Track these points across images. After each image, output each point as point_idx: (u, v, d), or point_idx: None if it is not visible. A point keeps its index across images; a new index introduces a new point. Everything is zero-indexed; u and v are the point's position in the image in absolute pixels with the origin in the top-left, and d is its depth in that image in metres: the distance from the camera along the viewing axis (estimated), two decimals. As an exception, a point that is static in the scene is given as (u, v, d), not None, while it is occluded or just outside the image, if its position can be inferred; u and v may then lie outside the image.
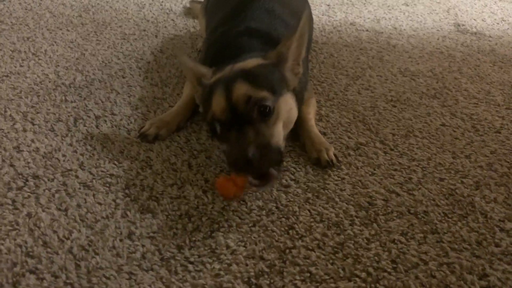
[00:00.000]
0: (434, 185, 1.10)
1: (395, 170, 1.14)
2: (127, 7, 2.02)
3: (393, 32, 1.98)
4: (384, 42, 1.88)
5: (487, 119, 1.38)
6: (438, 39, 1.94)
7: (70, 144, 1.14)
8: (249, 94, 0.98)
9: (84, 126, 1.21)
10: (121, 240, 0.89)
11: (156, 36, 1.77)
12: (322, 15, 2.11)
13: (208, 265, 0.86)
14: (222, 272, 0.84)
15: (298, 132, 1.23)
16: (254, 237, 0.92)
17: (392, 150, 1.21)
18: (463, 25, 2.12)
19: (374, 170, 1.13)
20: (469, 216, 1.01)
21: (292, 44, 1.08)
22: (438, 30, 2.04)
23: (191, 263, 0.86)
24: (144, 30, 1.80)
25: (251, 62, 1.09)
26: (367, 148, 1.21)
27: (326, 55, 1.72)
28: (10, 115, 1.23)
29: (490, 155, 1.21)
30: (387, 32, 1.98)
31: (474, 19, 2.20)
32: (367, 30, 1.98)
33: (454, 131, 1.31)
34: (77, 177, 1.04)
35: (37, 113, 1.25)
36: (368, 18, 2.12)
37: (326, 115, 1.34)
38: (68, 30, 1.75)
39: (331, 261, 0.88)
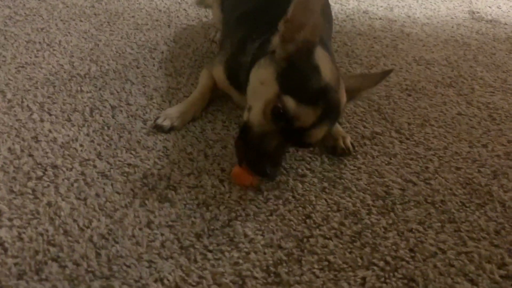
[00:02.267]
0: (451, 174, 1.09)
1: (411, 159, 1.13)
2: (139, -3, 2.02)
3: (407, 20, 1.96)
4: (397, 30, 1.86)
5: (503, 107, 1.36)
6: (452, 27, 1.91)
7: (87, 134, 1.15)
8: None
9: (101, 116, 1.22)
10: (140, 229, 0.90)
11: (168, 26, 1.76)
12: (335, 3, 2.09)
13: (226, 254, 0.86)
14: (241, 261, 0.85)
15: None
16: (271, 226, 0.93)
17: (408, 139, 1.20)
18: (477, 12, 2.10)
19: (390, 159, 1.13)
20: (487, 205, 1.01)
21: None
22: (452, 18, 2.01)
23: (210, 251, 0.87)
24: (157, 20, 1.80)
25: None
26: (383, 138, 1.20)
27: (339, 44, 1.71)
28: (27, 106, 1.24)
29: (507, 144, 1.20)
30: (401, 20, 1.96)
31: (489, 6, 2.17)
32: (380, 19, 1.96)
33: (471, 120, 1.30)
34: (95, 166, 1.05)
35: (54, 103, 1.26)
36: (381, 6, 2.09)
37: (341, 105, 1.33)
38: (81, 21, 1.76)
39: (349, 250, 0.89)
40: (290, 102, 0.94)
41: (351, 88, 1.08)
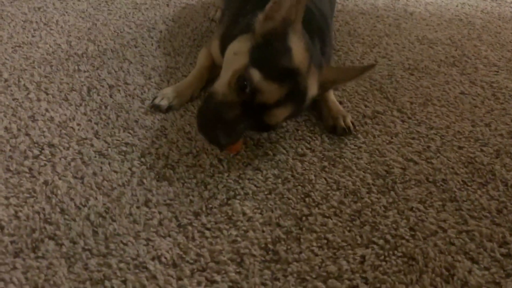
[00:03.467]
0: (453, 153, 1.08)
1: (413, 138, 1.12)
2: (137, -23, 1.98)
3: (410, -1, 1.92)
4: (401, 9, 1.83)
5: (508, 87, 1.34)
6: (457, 6, 1.88)
7: (84, 114, 1.13)
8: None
9: (98, 95, 1.20)
10: (138, 207, 0.89)
11: (167, 5, 1.74)
12: (337, -18, 2.05)
13: (225, 232, 0.86)
14: (239, 239, 0.84)
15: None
16: (270, 205, 0.92)
17: (409, 118, 1.19)
18: (483, -9, 2.05)
19: (392, 138, 1.11)
20: (489, 184, 0.99)
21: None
22: (457, -3, 1.97)
23: (208, 229, 0.86)
24: (155, -1, 1.77)
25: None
26: (384, 117, 1.19)
27: (341, 22, 1.68)
28: (24, 85, 1.22)
29: (511, 123, 1.18)
30: (404, -1, 1.92)
31: (495, -15, 2.12)
32: (383, -2, 1.92)
33: (474, 99, 1.28)
34: (92, 145, 1.04)
35: (51, 82, 1.24)
36: (385, -15, 2.05)
37: (342, 84, 1.31)
38: (79, 0, 1.73)
39: (348, 228, 0.88)
40: (255, 75, 0.94)
41: (325, 80, 1.07)
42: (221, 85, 1.00)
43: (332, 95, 1.20)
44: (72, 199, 0.90)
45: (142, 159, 1.01)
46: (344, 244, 0.84)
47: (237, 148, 1.04)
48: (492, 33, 1.66)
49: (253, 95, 0.95)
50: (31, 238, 0.82)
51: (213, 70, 1.29)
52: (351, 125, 1.11)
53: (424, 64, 1.44)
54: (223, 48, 1.21)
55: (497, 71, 1.42)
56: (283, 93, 0.96)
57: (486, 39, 1.61)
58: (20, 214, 0.86)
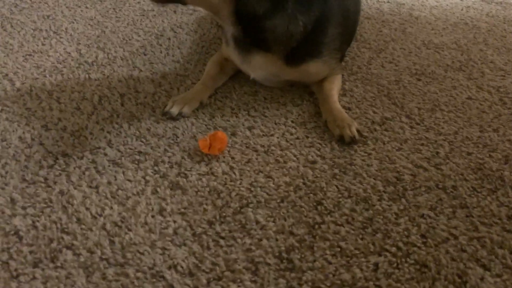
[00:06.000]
0: (462, 159, 1.09)
1: (422, 144, 1.13)
2: (144, -17, 2.00)
3: (415, 3, 1.93)
4: (406, 13, 1.83)
5: (515, 91, 1.35)
6: (462, 10, 1.88)
7: (97, 122, 1.15)
8: None
9: (109, 104, 1.22)
10: (152, 216, 0.91)
11: (174, 12, 1.75)
12: (342, -14, 2.06)
13: (239, 240, 0.87)
14: (253, 247, 0.86)
15: (320, 109, 1.22)
16: (283, 213, 0.93)
17: (418, 124, 1.20)
18: (487, -6, 2.06)
19: (401, 145, 1.12)
20: (499, 190, 1.00)
21: None
22: (461, 0, 1.98)
23: (223, 238, 0.87)
24: (163, 6, 1.79)
25: None
26: (393, 123, 1.20)
27: (347, 28, 1.69)
28: (36, 94, 1.24)
29: (519, 129, 1.19)
30: (409, 3, 1.93)
31: (499, -12, 2.13)
32: (388, 2, 1.93)
33: (481, 104, 1.29)
34: (105, 154, 1.05)
35: (62, 91, 1.26)
36: (389, -11, 2.06)
37: (350, 90, 1.32)
38: (87, 7, 1.74)
39: (360, 236, 0.89)
40: None
41: None
42: None
43: (337, 104, 1.21)
44: (88, 209, 0.92)
45: (156, 168, 1.02)
46: (357, 252, 0.86)
47: (221, 147, 1.06)
48: (498, 37, 1.66)
49: None
50: (49, 248, 0.84)
51: (221, 77, 1.31)
52: (356, 133, 1.12)
53: (431, 69, 1.45)
54: None
55: (504, 76, 1.43)
56: None
57: (492, 43, 1.62)
58: (37, 224, 0.88)
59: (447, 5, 1.93)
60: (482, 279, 0.81)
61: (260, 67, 1.21)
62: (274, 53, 1.18)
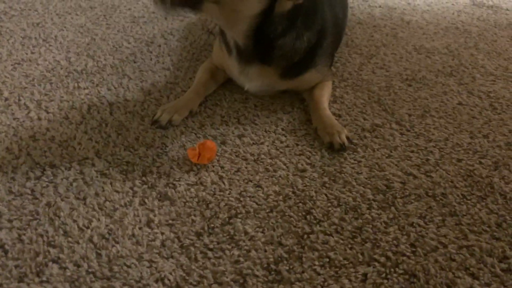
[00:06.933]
0: (452, 166, 1.08)
1: (412, 151, 1.13)
2: (135, -11, 1.99)
3: (407, 8, 1.93)
4: (397, 18, 1.84)
5: (505, 96, 1.35)
6: (453, 14, 1.89)
7: (85, 132, 1.14)
8: None
9: (98, 113, 1.21)
10: (140, 228, 0.90)
11: (165, 19, 1.74)
12: (334, -9, 2.06)
13: (227, 252, 0.86)
14: (241, 259, 0.85)
15: (310, 116, 1.22)
16: (272, 223, 0.93)
17: (408, 131, 1.20)
18: (479, -2, 2.06)
19: (391, 152, 1.12)
20: (488, 197, 1.00)
21: None
22: (453, 4, 1.98)
23: (211, 250, 0.87)
24: (153, 13, 1.78)
25: None
26: (383, 130, 1.19)
27: (338, 33, 1.69)
28: (24, 104, 1.23)
29: (508, 134, 1.19)
30: (401, 7, 1.93)
31: (490, -8, 2.13)
32: (380, 6, 1.94)
33: (472, 110, 1.29)
34: (93, 165, 1.04)
35: (51, 101, 1.25)
36: (381, -6, 2.06)
37: (340, 97, 1.32)
38: (77, 15, 1.74)
39: (349, 245, 0.88)
40: None
41: None
42: None
43: (327, 111, 1.21)
44: (75, 221, 0.91)
45: (144, 178, 1.02)
46: (346, 262, 0.85)
47: (211, 157, 1.05)
48: (489, 41, 1.67)
49: None
50: (35, 262, 0.83)
51: (212, 84, 1.31)
52: (345, 140, 1.12)
53: (421, 74, 1.45)
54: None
55: (494, 80, 1.43)
56: None
57: (483, 48, 1.62)
58: (23, 237, 0.87)
59: (439, 9, 1.94)
60: (471, 288, 0.81)
61: (256, 78, 1.21)
62: (274, 66, 1.18)
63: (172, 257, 0.85)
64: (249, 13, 1.06)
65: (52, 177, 1.01)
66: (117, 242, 0.87)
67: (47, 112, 1.20)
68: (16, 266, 0.82)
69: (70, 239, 0.87)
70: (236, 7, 1.04)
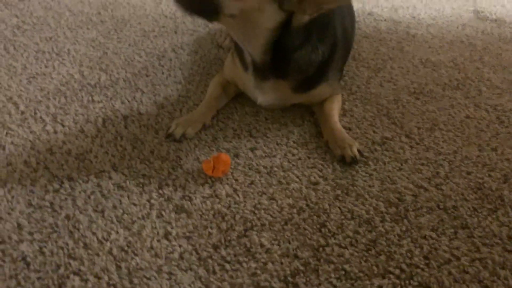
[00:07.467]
0: (461, 179, 1.10)
1: (422, 164, 1.15)
2: (144, 3, 2.03)
3: (412, 22, 1.97)
4: (403, 32, 1.87)
5: (512, 110, 1.37)
6: (457, 28, 1.92)
7: (101, 145, 1.16)
8: None
9: (113, 126, 1.23)
10: (158, 241, 0.92)
11: (175, 32, 1.77)
12: (339, 5, 2.09)
13: (244, 264, 0.88)
14: (258, 271, 0.87)
15: (320, 129, 1.24)
16: (287, 236, 0.94)
17: (418, 144, 1.22)
18: (482, 11, 2.10)
19: (402, 165, 1.14)
20: (499, 210, 1.02)
21: None
22: (457, 18, 2.02)
23: (228, 262, 0.88)
24: (163, 27, 1.81)
25: None
26: (393, 143, 1.22)
27: (346, 47, 1.72)
28: (40, 117, 1.25)
29: (516, 148, 1.21)
30: (406, 21, 1.97)
31: (493, 5, 2.17)
32: (385, 20, 1.97)
33: (479, 123, 1.31)
34: (110, 178, 1.06)
35: (66, 114, 1.27)
36: (386, 8, 2.10)
37: (349, 110, 1.35)
38: (88, 29, 1.77)
39: (364, 258, 0.90)
40: None
41: None
42: None
43: (338, 124, 1.23)
44: (94, 233, 0.93)
45: (160, 191, 1.03)
46: (361, 274, 0.87)
47: (225, 170, 1.07)
48: (494, 54, 1.69)
49: None
50: (57, 274, 0.84)
51: (223, 98, 1.33)
52: (357, 153, 1.14)
53: (429, 87, 1.47)
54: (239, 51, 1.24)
55: (500, 94, 1.45)
56: None
57: (488, 61, 1.65)
58: (44, 249, 0.89)
59: (443, 22, 1.97)
60: (485, 300, 0.82)
61: (270, 92, 1.23)
62: (288, 80, 1.21)
63: (190, 269, 0.87)
64: (267, 26, 1.08)
65: (70, 190, 1.03)
66: (136, 255, 0.89)
67: (63, 126, 1.23)
68: (38, 278, 0.83)
69: (90, 251, 0.89)
70: (253, 20, 1.06)
